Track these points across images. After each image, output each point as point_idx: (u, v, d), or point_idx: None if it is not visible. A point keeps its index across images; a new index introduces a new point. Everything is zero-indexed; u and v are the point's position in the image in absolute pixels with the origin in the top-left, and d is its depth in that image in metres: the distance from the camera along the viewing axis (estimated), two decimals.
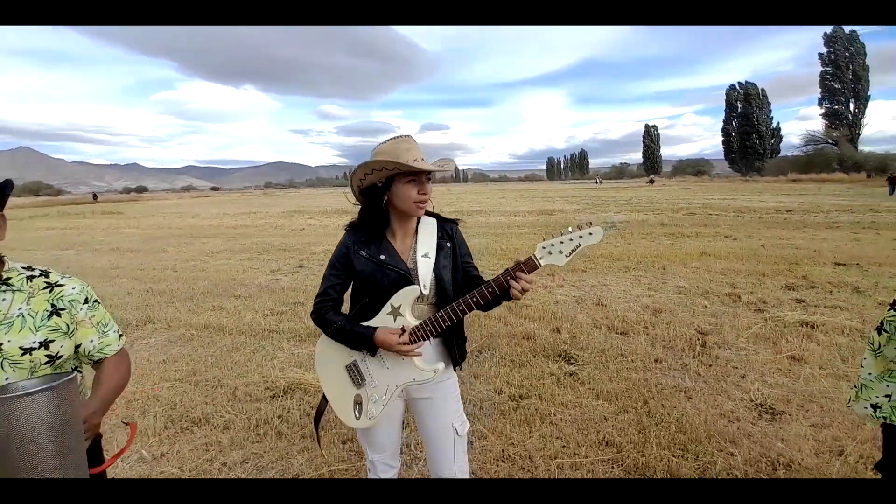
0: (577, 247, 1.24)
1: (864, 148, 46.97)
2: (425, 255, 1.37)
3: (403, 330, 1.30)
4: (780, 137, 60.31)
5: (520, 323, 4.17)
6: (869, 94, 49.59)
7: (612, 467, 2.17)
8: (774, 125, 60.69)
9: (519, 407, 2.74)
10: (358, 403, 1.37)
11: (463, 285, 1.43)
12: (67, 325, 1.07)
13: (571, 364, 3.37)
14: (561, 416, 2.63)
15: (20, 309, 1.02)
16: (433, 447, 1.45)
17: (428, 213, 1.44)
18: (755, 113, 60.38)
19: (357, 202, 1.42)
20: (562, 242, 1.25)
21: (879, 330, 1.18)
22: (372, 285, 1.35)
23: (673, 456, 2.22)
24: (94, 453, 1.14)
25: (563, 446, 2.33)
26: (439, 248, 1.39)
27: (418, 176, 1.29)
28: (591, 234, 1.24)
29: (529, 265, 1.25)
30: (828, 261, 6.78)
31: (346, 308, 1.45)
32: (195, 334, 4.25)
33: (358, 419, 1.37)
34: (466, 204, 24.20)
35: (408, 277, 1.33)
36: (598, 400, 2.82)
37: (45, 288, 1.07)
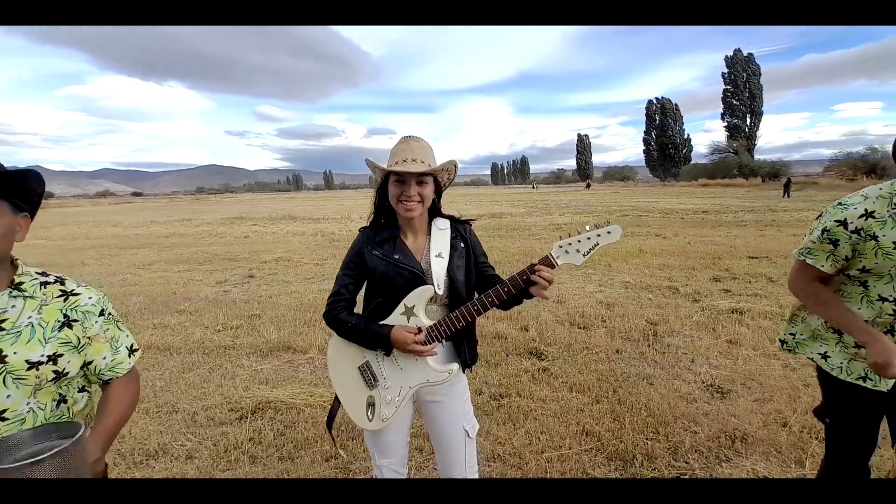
0: (596, 245, 1.22)
1: (759, 157, 54.00)
2: (439, 255, 1.37)
3: (419, 329, 1.29)
4: (691, 147, 67.48)
5: (490, 324, 4.25)
6: (762, 109, 57.24)
7: (596, 455, 2.29)
8: (686, 136, 67.79)
9: (501, 406, 2.80)
10: (371, 405, 1.35)
11: (478, 285, 1.44)
12: (79, 338, 0.98)
13: (543, 360, 3.50)
14: (541, 411, 2.72)
15: (30, 318, 0.94)
16: (444, 451, 1.45)
17: (442, 215, 1.45)
18: (670, 125, 67.06)
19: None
20: (579, 241, 1.23)
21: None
22: (385, 284, 1.34)
23: (647, 439, 2.40)
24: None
25: (549, 440, 2.42)
26: (453, 248, 1.40)
27: (403, 177, 1.30)
28: (609, 232, 1.22)
29: (546, 263, 1.23)
30: (743, 255, 7.70)
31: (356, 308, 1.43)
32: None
33: (370, 420, 1.35)
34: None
35: (421, 277, 1.32)
36: (573, 392, 2.96)
37: (59, 296, 0.99)
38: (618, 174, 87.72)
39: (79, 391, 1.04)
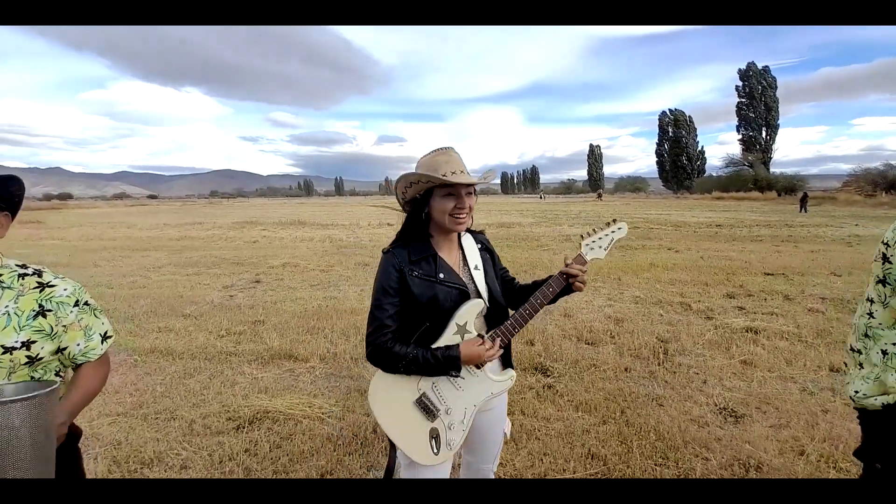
0: (612, 241, 1.39)
1: (775, 170, 53.18)
2: (476, 268, 1.37)
3: (481, 336, 1.28)
4: (705, 159, 66.73)
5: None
6: (778, 122, 56.48)
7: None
8: (699, 148, 67.10)
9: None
10: (434, 437, 1.26)
11: (502, 291, 1.43)
12: (52, 326, 1.06)
13: (548, 376, 3.40)
14: (545, 430, 2.62)
15: (7, 307, 1.01)
16: (479, 447, 1.45)
17: None
18: (684, 137, 66.50)
19: (404, 211, 1.38)
20: (600, 238, 1.38)
21: (883, 282, 1.16)
22: (433, 308, 1.26)
23: (655, 465, 2.29)
24: (71, 455, 1.15)
25: (552, 462, 2.32)
26: (483, 260, 1.40)
27: (455, 189, 1.24)
28: (619, 228, 1.40)
29: (579, 260, 1.35)
30: (758, 271, 7.50)
31: None
32: (139, 360, 3.81)
33: (437, 454, 1.26)
34: None
35: (467, 293, 1.30)
36: (579, 412, 2.86)
37: (35, 287, 1.06)
38: (629, 185, 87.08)
39: (55, 374, 1.13)
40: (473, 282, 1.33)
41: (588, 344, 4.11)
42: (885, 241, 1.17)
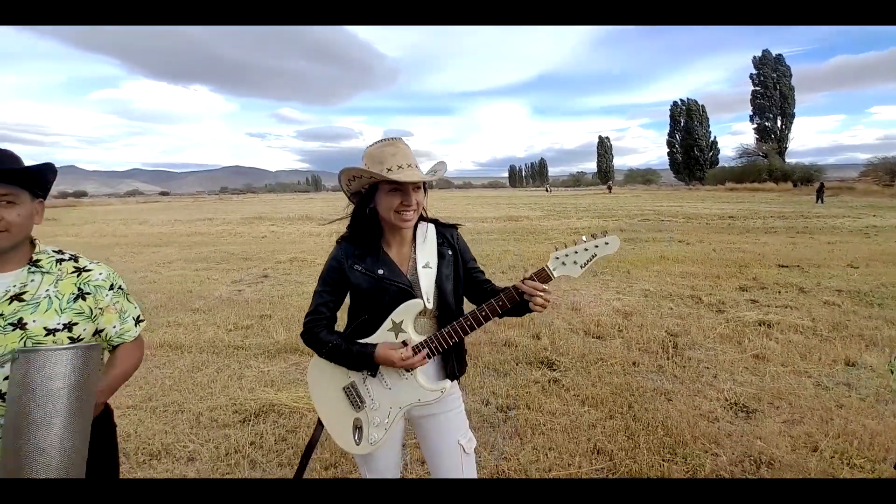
0: (593, 257, 1.18)
1: (790, 160, 51.89)
2: (426, 266, 1.29)
3: (405, 343, 1.22)
4: (718, 150, 65.32)
5: (500, 330, 4.14)
6: (794, 111, 54.95)
7: (607, 476, 2.16)
8: (712, 139, 65.72)
9: (508, 418, 2.69)
10: (357, 427, 1.27)
11: (469, 292, 1.37)
12: (91, 309, 1.10)
13: (554, 370, 3.37)
14: (551, 425, 2.60)
15: (47, 291, 1.05)
16: (440, 468, 1.35)
17: (424, 219, 1.36)
18: (696, 127, 65.12)
19: (351, 202, 1.34)
20: (576, 252, 1.19)
21: None
22: (371, 301, 1.26)
23: (663, 460, 2.25)
24: (107, 426, 1.20)
25: (557, 457, 2.29)
26: (440, 256, 1.31)
27: (402, 185, 1.18)
28: (607, 243, 1.18)
29: (541, 276, 1.18)
30: (772, 263, 7.33)
31: (339, 325, 1.34)
32: (149, 354, 3.86)
33: (358, 444, 1.27)
34: (433, 210, 23.78)
35: (409, 291, 1.24)
36: (585, 406, 2.82)
37: (73, 272, 1.11)
38: (640, 177, 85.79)
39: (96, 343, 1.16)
40: (418, 280, 1.27)
41: (595, 338, 4.06)
42: None
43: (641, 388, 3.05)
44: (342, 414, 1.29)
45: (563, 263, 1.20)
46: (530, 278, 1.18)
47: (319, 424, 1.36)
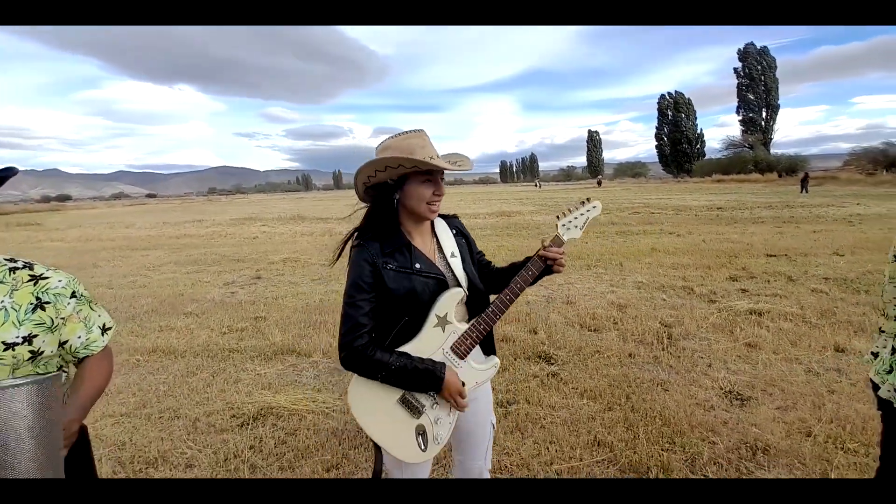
0: (587, 220, 1.37)
1: (775, 151, 52.75)
2: (453, 255, 1.31)
3: (464, 383, 1.22)
4: (704, 142, 66.14)
5: (497, 326, 4.14)
6: (778, 103, 55.83)
7: (608, 467, 2.19)
8: (699, 131, 66.47)
9: (508, 413, 2.70)
10: (421, 433, 1.20)
11: (480, 276, 1.38)
12: (52, 319, 1.02)
13: (552, 364, 3.39)
14: (551, 419, 2.62)
15: (2, 302, 0.98)
16: (468, 444, 1.40)
17: None
18: (683, 120, 65.82)
19: (362, 203, 1.29)
20: (576, 217, 1.35)
21: None
22: (411, 301, 1.19)
23: (662, 450, 2.28)
24: (83, 451, 1.13)
25: (558, 450, 2.31)
26: (459, 245, 1.35)
27: (433, 175, 1.20)
28: (594, 207, 1.37)
29: (557, 242, 1.32)
30: (760, 253, 7.46)
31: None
32: (141, 360, 3.80)
33: (425, 450, 1.21)
34: None
35: (445, 282, 1.24)
36: (584, 399, 2.85)
37: (28, 280, 1.02)
38: (629, 170, 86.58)
39: (58, 369, 1.09)
40: (451, 270, 1.27)
41: (591, 331, 4.09)
42: None
43: (638, 379, 3.09)
44: (402, 426, 1.21)
45: (568, 229, 1.35)
46: (549, 245, 1.31)
47: (378, 451, 1.26)
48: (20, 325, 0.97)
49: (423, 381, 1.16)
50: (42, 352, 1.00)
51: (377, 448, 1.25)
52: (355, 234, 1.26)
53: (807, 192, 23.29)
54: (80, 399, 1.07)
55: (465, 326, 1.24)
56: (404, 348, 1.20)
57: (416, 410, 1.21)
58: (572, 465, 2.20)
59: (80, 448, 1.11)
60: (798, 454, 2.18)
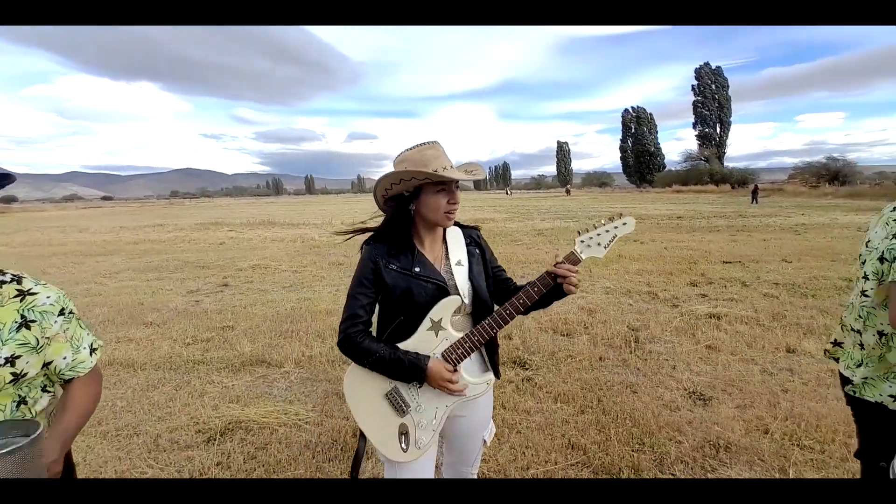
0: (614, 238, 1.26)
1: (728, 164, 56.20)
2: (458, 264, 1.32)
3: (455, 369, 1.23)
4: (664, 155, 69.65)
5: None
6: (731, 119, 59.68)
7: (582, 470, 2.24)
8: (659, 144, 69.95)
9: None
10: (404, 433, 1.24)
11: (495, 291, 1.40)
12: (37, 339, 0.97)
13: (527, 369, 3.45)
14: (526, 423, 2.65)
15: None
16: (458, 448, 1.42)
17: None
18: (645, 134, 69.08)
19: (381, 212, 1.34)
20: (599, 234, 1.26)
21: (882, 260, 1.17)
22: (407, 301, 1.24)
23: (633, 451, 2.36)
24: (68, 476, 1.07)
25: (534, 455, 2.35)
26: (470, 255, 1.36)
27: (448, 185, 1.24)
28: (625, 223, 1.27)
29: (571, 259, 1.25)
30: (717, 259, 7.89)
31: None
32: None
33: (406, 451, 1.23)
34: None
35: (445, 288, 1.26)
36: (557, 403, 2.91)
37: (15, 296, 0.97)
38: (596, 180, 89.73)
39: (42, 390, 1.04)
40: (453, 278, 1.29)
41: (563, 335, 4.19)
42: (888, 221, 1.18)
43: (609, 382, 3.18)
44: (386, 422, 1.24)
45: (588, 246, 1.26)
46: (562, 262, 1.24)
47: (362, 437, 1.31)
48: (3, 345, 0.92)
49: (407, 370, 1.20)
50: (26, 374, 0.95)
51: (361, 436, 1.30)
52: (370, 236, 1.33)
53: (757, 202, 24.91)
54: (62, 431, 0.99)
55: (459, 335, 1.25)
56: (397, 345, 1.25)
57: (400, 409, 1.24)
58: (548, 469, 2.23)
59: (65, 474, 1.04)
60: (757, 451, 2.32)
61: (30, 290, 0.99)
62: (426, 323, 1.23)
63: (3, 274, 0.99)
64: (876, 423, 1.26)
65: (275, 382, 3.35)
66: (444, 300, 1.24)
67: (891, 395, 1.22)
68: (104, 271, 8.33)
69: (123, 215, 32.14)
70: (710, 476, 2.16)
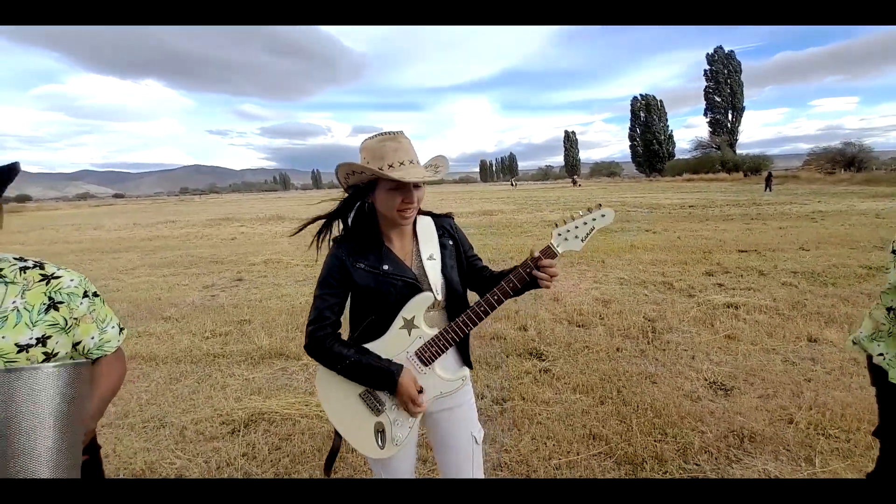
0: (592, 230, 1.22)
1: (741, 151, 55.06)
2: (430, 258, 1.27)
3: (421, 389, 1.20)
4: (674, 143, 68.44)
5: (487, 324, 4.18)
6: (743, 105, 58.29)
7: (605, 460, 2.24)
8: (669, 132, 68.70)
9: (504, 410, 2.73)
10: (380, 431, 1.22)
11: (471, 279, 1.36)
12: (66, 319, 1.00)
13: (543, 360, 3.44)
14: (546, 414, 2.66)
15: (14, 303, 0.95)
16: (450, 459, 1.34)
17: (420, 212, 1.33)
18: (654, 122, 67.88)
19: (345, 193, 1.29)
20: (576, 227, 1.21)
21: None
22: (377, 300, 1.21)
23: (655, 441, 2.35)
24: (93, 454, 1.12)
25: (556, 446, 2.35)
26: (443, 247, 1.30)
27: (404, 183, 1.15)
28: (603, 215, 1.22)
29: (547, 254, 1.20)
30: (732, 248, 7.77)
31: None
32: None
33: (382, 448, 1.22)
34: None
35: (416, 285, 1.22)
36: (577, 394, 2.90)
37: (40, 280, 1.00)
38: (605, 170, 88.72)
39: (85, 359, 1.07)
40: (425, 273, 1.25)
41: (579, 326, 4.18)
42: None
43: (627, 372, 3.17)
44: (361, 421, 1.23)
45: (566, 239, 1.22)
46: (536, 257, 1.20)
47: (337, 435, 1.29)
48: (33, 326, 0.95)
49: (378, 379, 1.17)
50: (56, 353, 0.98)
51: (336, 434, 1.28)
52: (338, 235, 1.27)
53: (771, 190, 24.43)
54: (97, 400, 1.05)
55: (433, 332, 1.22)
56: (368, 346, 1.21)
57: (375, 408, 1.22)
58: (570, 460, 2.24)
59: (90, 451, 1.09)
60: (782, 441, 2.29)
61: (53, 274, 1.02)
62: (398, 321, 1.20)
63: (25, 261, 1.02)
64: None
65: (294, 375, 3.40)
66: (417, 297, 1.20)
67: None
68: (120, 267, 8.48)
69: (136, 212, 32.62)
70: (734, 466, 2.14)
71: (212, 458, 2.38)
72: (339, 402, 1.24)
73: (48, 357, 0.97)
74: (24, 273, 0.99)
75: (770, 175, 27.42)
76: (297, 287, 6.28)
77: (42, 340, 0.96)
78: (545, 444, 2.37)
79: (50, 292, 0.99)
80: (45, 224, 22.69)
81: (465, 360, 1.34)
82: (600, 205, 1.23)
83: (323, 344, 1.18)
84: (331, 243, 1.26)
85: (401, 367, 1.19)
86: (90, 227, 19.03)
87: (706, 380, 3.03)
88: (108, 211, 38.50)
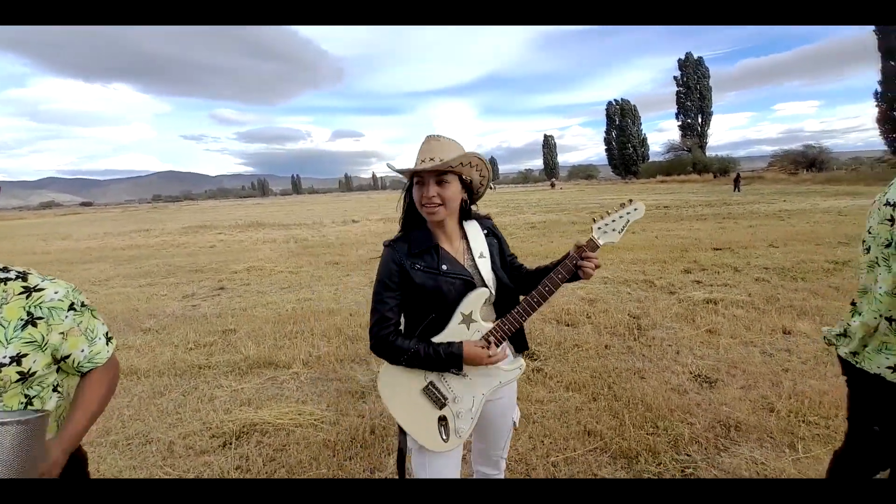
0: (627, 223, 1.31)
1: (710, 153, 57.21)
2: (481, 256, 1.35)
3: (488, 342, 1.25)
4: (647, 146, 70.55)
5: None
6: (712, 109, 60.68)
7: (601, 455, 2.29)
8: (643, 136, 70.79)
9: None
10: (443, 425, 1.27)
11: (510, 277, 1.42)
12: (43, 336, 0.95)
13: (535, 360, 3.49)
14: (541, 413, 2.70)
15: None
16: (489, 433, 1.44)
17: (467, 214, 1.39)
18: (629, 125, 69.85)
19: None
20: (613, 221, 1.30)
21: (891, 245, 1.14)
22: (436, 299, 1.26)
23: (648, 434, 2.42)
24: (78, 468, 1.06)
25: (553, 443, 2.39)
26: (490, 245, 1.38)
27: (423, 177, 1.24)
28: (636, 209, 1.31)
29: (591, 245, 1.29)
30: (707, 247, 8.07)
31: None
32: None
33: (446, 440, 1.27)
34: (391, 211, 23.92)
35: (472, 282, 1.28)
36: (569, 391, 2.96)
37: (21, 293, 0.94)
38: (582, 172, 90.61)
39: (53, 389, 1.02)
40: (478, 271, 1.32)
41: (567, 325, 4.25)
42: (892, 203, 1.13)
43: (616, 369, 3.25)
44: (425, 415, 1.28)
45: (605, 232, 1.31)
46: (581, 248, 1.28)
47: (402, 432, 1.33)
48: (8, 344, 0.90)
49: (444, 359, 1.22)
50: (34, 372, 0.93)
51: (402, 430, 1.32)
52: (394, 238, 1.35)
53: (739, 190, 25.48)
54: (71, 430, 0.98)
55: (489, 326, 1.27)
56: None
57: (438, 402, 1.28)
58: (567, 456, 2.28)
59: (75, 463, 1.03)
60: (766, 429, 2.40)
61: (36, 286, 0.96)
62: (457, 317, 1.26)
63: (8, 271, 0.96)
64: (872, 394, 1.27)
65: (285, 384, 3.33)
66: (473, 293, 1.26)
67: (889, 367, 1.22)
68: (93, 279, 8.13)
69: (105, 221, 31.30)
70: (723, 455, 2.23)
71: (204, 472, 2.31)
72: (403, 400, 1.28)
73: (23, 377, 0.92)
74: (4, 285, 0.94)
75: (738, 176, 28.64)
76: (283, 294, 6.16)
77: (17, 359, 0.90)
78: (542, 442, 2.40)
79: (29, 307, 0.94)
80: (9, 234, 21.55)
81: (521, 348, 1.41)
82: (632, 200, 1.32)
83: (387, 341, 1.24)
84: (384, 246, 1.32)
85: (461, 343, 1.23)
86: (57, 237, 18.17)
87: (691, 373, 3.13)
88: (75, 220, 36.81)
